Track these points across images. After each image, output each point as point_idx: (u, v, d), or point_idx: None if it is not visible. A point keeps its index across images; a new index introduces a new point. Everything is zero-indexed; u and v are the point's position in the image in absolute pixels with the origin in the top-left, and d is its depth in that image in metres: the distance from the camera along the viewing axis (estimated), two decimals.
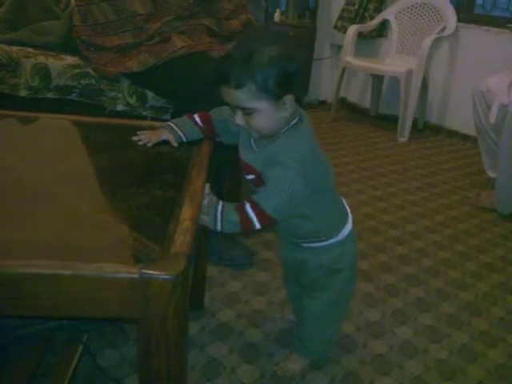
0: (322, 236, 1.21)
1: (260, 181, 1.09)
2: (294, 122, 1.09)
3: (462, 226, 2.36)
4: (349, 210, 1.27)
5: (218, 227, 1.06)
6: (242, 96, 1.00)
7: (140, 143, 1.24)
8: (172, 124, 1.27)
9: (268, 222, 1.07)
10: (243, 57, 0.99)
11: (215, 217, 1.05)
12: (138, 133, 1.27)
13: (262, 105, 1.01)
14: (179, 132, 1.26)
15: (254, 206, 1.05)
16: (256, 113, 1.02)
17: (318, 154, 1.13)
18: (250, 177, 1.13)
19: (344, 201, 1.28)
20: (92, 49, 1.84)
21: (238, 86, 0.99)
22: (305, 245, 1.24)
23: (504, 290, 1.87)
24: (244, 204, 1.06)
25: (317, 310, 1.30)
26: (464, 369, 1.46)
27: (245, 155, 1.14)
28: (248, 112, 1.03)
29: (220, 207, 1.06)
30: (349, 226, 1.25)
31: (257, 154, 1.11)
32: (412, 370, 1.44)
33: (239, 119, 1.05)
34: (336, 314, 1.34)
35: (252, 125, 1.05)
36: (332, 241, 1.22)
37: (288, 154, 1.05)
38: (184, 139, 1.26)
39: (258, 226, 1.06)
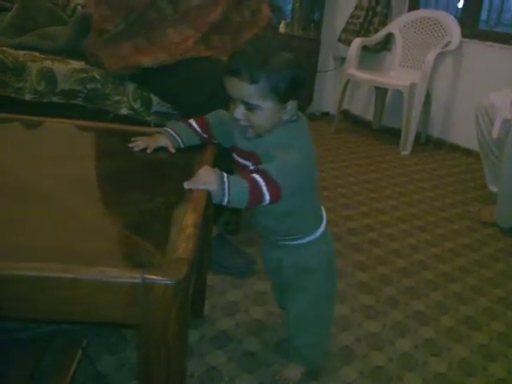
0: (297, 234, 1.23)
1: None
2: (294, 118, 1.12)
3: (463, 240, 2.35)
4: (324, 214, 1.29)
5: (226, 199, 1.00)
6: (251, 91, 1.03)
7: (136, 149, 1.24)
8: (169, 129, 1.28)
9: (275, 191, 1.02)
10: (261, 55, 1.03)
11: (222, 188, 1.00)
12: (133, 139, 1.27)
13: (268, 104, 1.05)
14: (177, 137, 1.26)
15: (262, 174, 1.02)
16: (259, 110, 1.05)
17: (314, 150, 1.14)
18: (247, 163, 1.14)
19: (322, 208, 1.30)
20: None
21: (253, 81, 1.01)
22: (281, 243, 1.26)
23: (504, 304, 1.86)
24: (250, 174, 1.04)
25: (297, 313, 1.30)
26: (463, 383, 1.45)
27: (242, 144, 1.15)
28: (251, 108, 1.05)
29: (226, 178, 1.01)
30: (323, 227, 1.26)
31: (255, 142, 1.12)
32: (411, 382, 1.43)
33: (239, 113, 1.07)
34: (318, 317, 1.32)
35: (251, 120, 1.07)
36: (306, 239, 1.24)
37: (295, 139, 1.09)
38: (181, 144, 1.27)
39: (266, 193, 1.02)
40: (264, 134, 1.10)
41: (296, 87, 1.06)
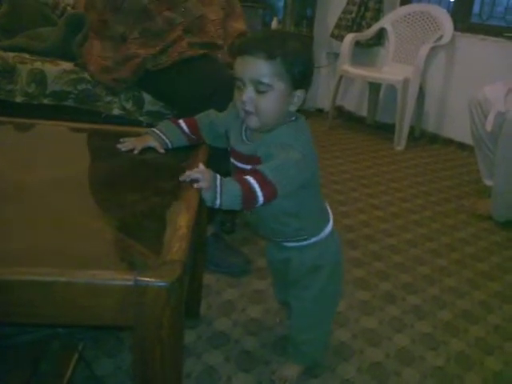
0: (305, 235, 1.22)
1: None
2: (293, 118, 1.12)
3: (459, 235, 2.36)
4: (330, 211, 1.29)
5: (217, 203, 0.98)
6: (266, 69, 1.02)
7: (123, 149, 1.23)
8: (157, 130, 1.26)
9: (270, 191, 1.00)
10: (278, 36, 1.05)
11: (215, 191, 0.97)
12: (121, 140, 1.25)
13: (280, 86, 1.04)
14: (165, 139, 1.25)
15: (256, 176, 1.00)
16: (270, 92, 1.04)
17: (314, 150, 1.14)
18: (246, 167, 1.11)
19: (327, 204, 1.30)
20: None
21: (269, 58, 1.02)
22: (289, 244, 1.25)
23: (500, 298, 1.86)
24: (244, 176, 1.01)
25: (302, 309, 1.30)
26: (461, 377, 1.46)
27: (241, 148, 1.14)
28: (263, 89, 1.04)
29: (219, 181, 0.99)
30: (330, 226, 1.26)
31: (255, 145, 1.11)
32: (409, 377, 1.43)
33: (247, 96, 1.04)
34: (322, 313, 1.33)
35: (260, 105, 1.05)
36: (314, 239, 1.23)
37: (296, 138, 1.08)
38: (170, 146, 1.25)
39: (260, 195, 0.99)
40: (269, 124, 1.08)
41: (308, 74, 1.08)
